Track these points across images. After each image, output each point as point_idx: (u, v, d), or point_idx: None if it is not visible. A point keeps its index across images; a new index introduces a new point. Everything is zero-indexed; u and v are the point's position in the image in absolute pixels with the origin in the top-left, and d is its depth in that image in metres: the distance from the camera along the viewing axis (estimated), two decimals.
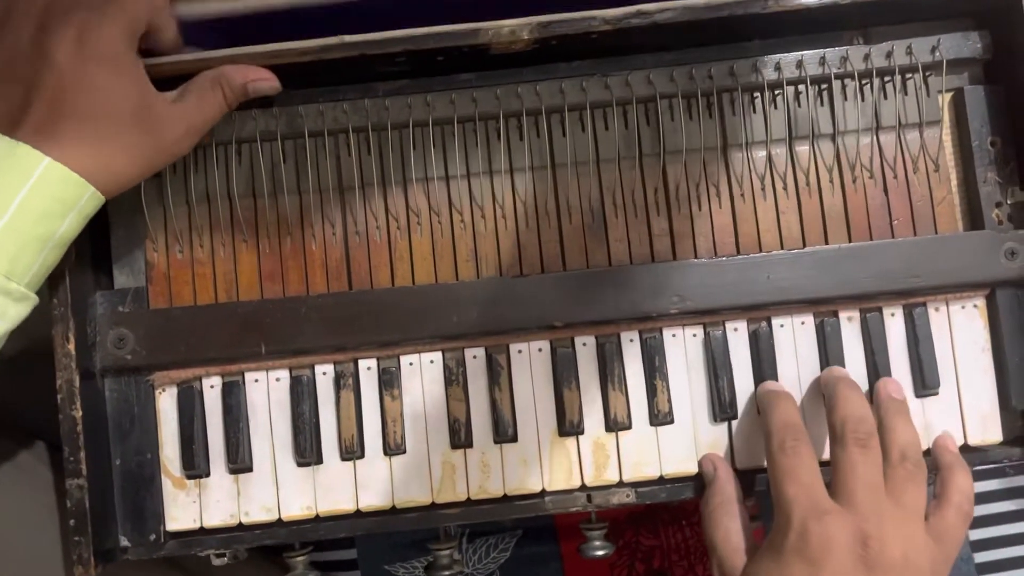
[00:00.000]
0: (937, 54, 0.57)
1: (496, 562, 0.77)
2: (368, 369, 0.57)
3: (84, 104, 0.47)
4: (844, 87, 0.58)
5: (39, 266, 0.48)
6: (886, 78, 0.58)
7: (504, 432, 0.57)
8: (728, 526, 0.53)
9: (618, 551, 0.77)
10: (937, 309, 0.58)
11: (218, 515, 0.57)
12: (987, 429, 0.57)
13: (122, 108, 0.49)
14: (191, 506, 0.57)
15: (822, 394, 0.56)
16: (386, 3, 0.54)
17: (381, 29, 0.54)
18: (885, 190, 0.58)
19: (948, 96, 0.59)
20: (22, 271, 0.47)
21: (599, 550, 0.60)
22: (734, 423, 0.57)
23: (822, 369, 0.57)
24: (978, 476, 0.77)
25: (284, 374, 0.57)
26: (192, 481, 0.57)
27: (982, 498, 0.79)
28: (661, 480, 0.57)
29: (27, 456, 0.63)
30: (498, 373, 0.57)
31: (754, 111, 0.58)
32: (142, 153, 0.51)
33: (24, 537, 0.59)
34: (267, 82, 0.54)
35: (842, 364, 0.57)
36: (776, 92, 0.58)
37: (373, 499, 0.57)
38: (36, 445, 0.64)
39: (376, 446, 0.57)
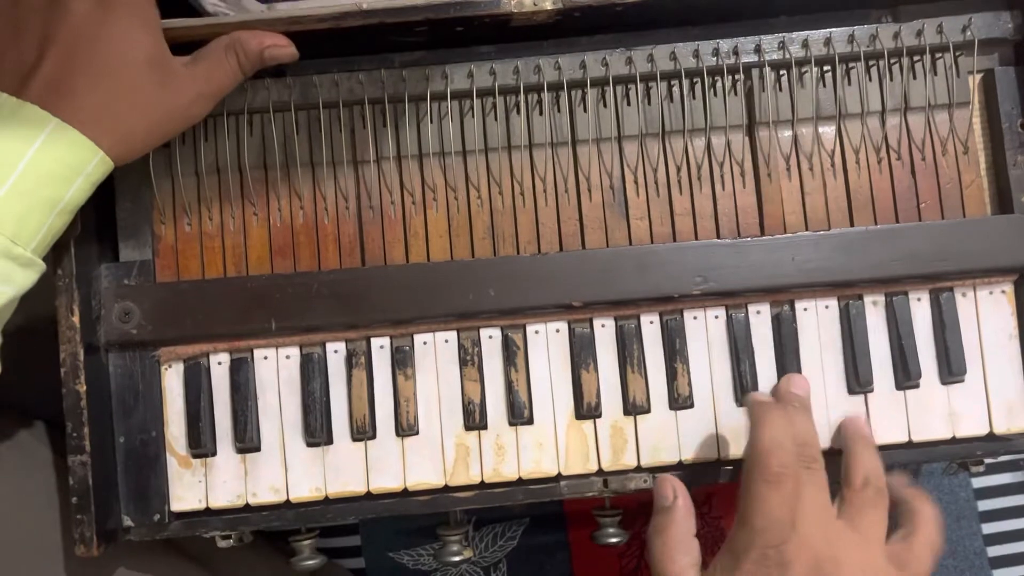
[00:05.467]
0: (968, 34, 0.56)
1: (503, 550, 0.76)
2: (381, 347, 0.56)
3: (99, 56, 0.46)
4: (871, 66, 0.57)
5: (46, 231, 0.47)
6: (915, 57, 0.57)
7: (519, 414, 0.55)
8: (683, 563, 0.51)
9: (627, 542, 0.75)
10: (964, 294, 0.56)
11: (224, 496, 0.55)
12: (1013, 417, 0.56)
13: (138, 60, 0.47)
14: (197, 486, 0.55)
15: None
16: None
17: None
18: (913, 172, 0.57)
19: (978, 77, 0.58)
20: (28, 235, 0.45)
21: (613, 537, 0.58)
22: None
23: (849, 353, 0.56)
24: (992, 470, 0.76)
25: (294, 351, 0.56)
26: (198, 460, 0.55)
27: (996, 492, 0.79)
28: (680, 466, 0.56)
29: (25, 435, 0.61)
30: (514, 353, 0.56)
31: (780, 89, 0.57)
32: (155, 114, 0.49)
33: (22, 518, 0.57)
34: (284, 48, 0.52)
35: (866, 348, 0.56)
36: (803, 70, 0.57)
37: (384, 481, 0.55)
38: (35, 424, 0.62)
39: (388, 427, 0.55)
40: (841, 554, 0.48)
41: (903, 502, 0.52)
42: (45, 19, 0.45)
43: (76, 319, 0.52)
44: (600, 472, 0.56)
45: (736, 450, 0.56)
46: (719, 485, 0.60)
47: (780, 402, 0.53)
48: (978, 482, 0.78)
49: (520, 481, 0.56)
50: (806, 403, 0.53)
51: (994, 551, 0.77)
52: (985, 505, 0.78)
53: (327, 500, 0.55)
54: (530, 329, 0.56)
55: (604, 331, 0.56)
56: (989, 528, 0.78)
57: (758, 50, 0.56)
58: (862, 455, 0.52)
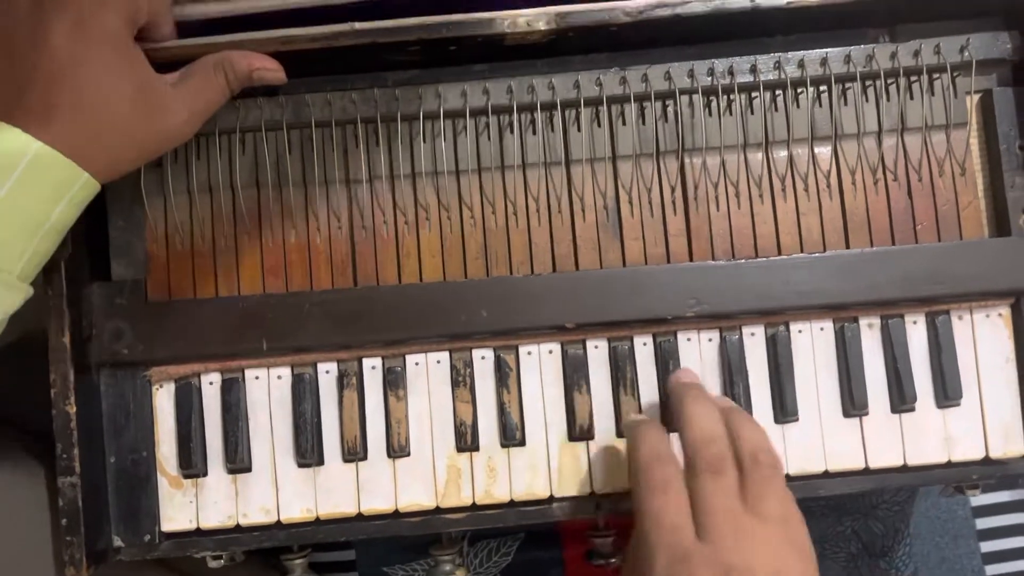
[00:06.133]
0: (966, 54, 0.56)
1: (498, 566, 0.76)
2: (373, 368, 0.56)
3: (80, 89, 0.45)
4: (868, 86, 0.57)
5: (31, 254, 0.46)
6: (913, 78, 0.56)
7: (512, 435, 0.55)
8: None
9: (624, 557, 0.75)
10: (961, 317, 0.56)
11: (215, 516, 0.55)
12: (1009, 441, 0.56)
13: (120, 93, 0.47)
14: (187, 506, 0.55)
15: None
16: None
17: (391, 17, 0.53)
18: (909, 193, 0.56)
19: (976, 98, 0.57)
20: (11, 259, 0.45)
21: (607, 558, 0.58)
22: None
23: (844, 376, 0.55)
24: (990, 487, 0.76)
25: (286, 372, 0.56)
26: (189, 480, 0.55)
27: (994, 510, 0.78)
28: None
29: (18, 450, 0.61)
30: (506, 375, 0.55)
31: (776, 109, 0.57)
32: (141, 138, 0.49)
33: (15, 534, 0.57)
34: (273, 72, 0.52)
35: (861, 371, 0.55)
36: (799, 90, 0.56)
37: (375, 502, 0.55)
38: (28, 440, 0.62)
39: (379, 448, 0.55)
40: (754, 560, 0.45)
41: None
42: (25, 50, 0.45)
43: (66, 340, 0.52)
44: (593, 494, 0.55)
45: None
46: None
47: (690, 393, 0.51)
48: (976, 500, 0.77)
49: (512, 503, 0.55)
50: (703, 391, 0.52)
51: (992, 570, 0.77)
52: (983, 523, 0.77)
53: (318, 521, 0.55)
54: (523, 350, 0.56)
55: (597, 352, 0.56)
56: (988, 547, 0.77)
57: (754, 70, 0.56)
58: (742, 429, 0.49)
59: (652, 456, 0.49)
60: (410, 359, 0.56)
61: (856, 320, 0.56)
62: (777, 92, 0.57)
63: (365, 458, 0.55)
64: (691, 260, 0.56)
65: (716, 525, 0.46)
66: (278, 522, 0.55)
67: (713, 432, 0.49)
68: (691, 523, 0.47)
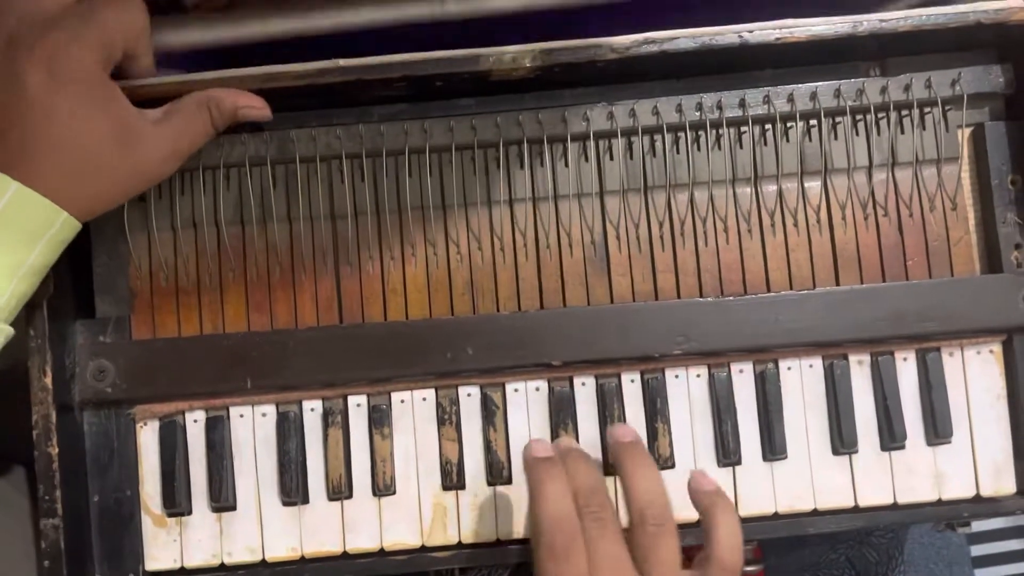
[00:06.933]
0: (957, 88, 0.55)
1: None
2: (358, 406, 0.55)
3: (57, 131, 0.45)
4: (858, 120, 0.56)
5: (9, 296, 0.46)
6: (903, 112, 0.56)
7: (498, 474, 0.55)
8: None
9: None
10: (951, 354, 0.55)
11: (200, 555, 0.55)
12: (1000, 479, 0.55)
13: (97, 132, 0.46)
14: (171, 545, 0.55)
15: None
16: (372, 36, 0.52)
17: (373, 51, 0.52)
18: (900, 229, 0.56)
19: (967, 132, 0.57)
20: None
21: None
22: (738, 468, 0.55)
23: (834, 414, 0.55)
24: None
25: (270, 409, 0.55)
26: (173, 519, 0.55)
27: (989, 537, 0.78)
28: None
29: (4, 483, 0.61)
30: (493, 413, 0.55)
31: (765, 144, 0.56)
32: (122, 177, 0.49)
33: (2, 568, 0.57)
34: (258, 110, 0.52)
35: (851, 409, 0.55)
36: (788, 125, 0.56)
37: (361, 541, 0.55)
38: (13, 470, 0.61)
39: (365, 486, 0.55)
40: None
41: (702, 514, 0.49)
42: (1, 92, 0.45)
43: (48, 380, 0.52)
44: None
45: None
46: None
47: (557, 456, 0.50)
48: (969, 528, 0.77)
49: (499, 541, 0.55)
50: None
51: None
52: (978, 550, 0.77)
53: (303, 559, 0.55)
54: (509, 387, 0.55)
55: (584, 389, 0.55)
56: (982, 574, 0.77)
57: (743, 104, 0.55)
58: (632, 480, 0.48)
59: (557, 516, 0.46)
60: (396, 397, 0.55)
61: (846, 357, 0.55)
62: (766, 126, 0.56)
63: (351, 496, 0.55)
64: (679, 296, 0.55)
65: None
66: (263, 561, 0.55)
67: (595, 485, 0.48)
68: None
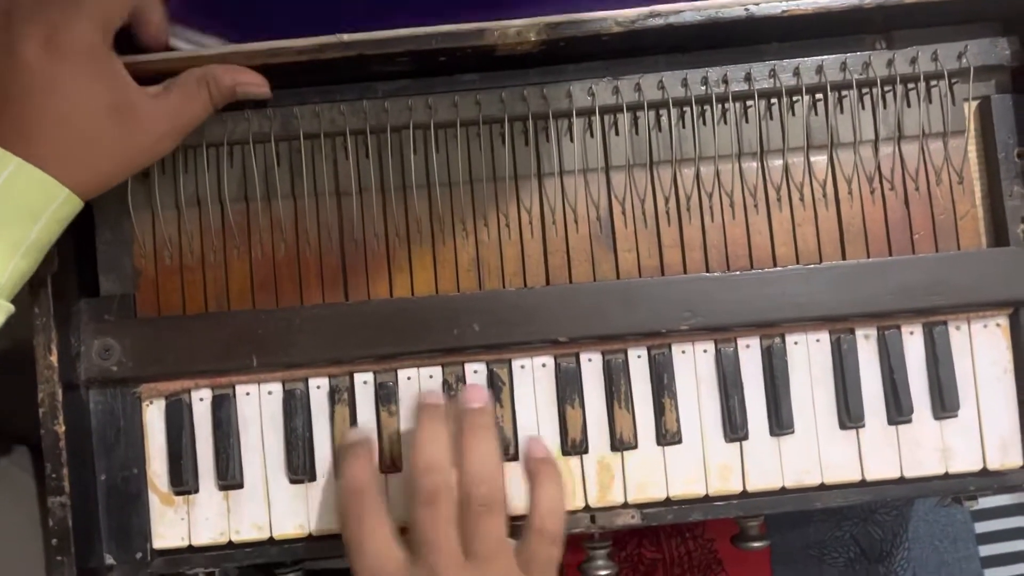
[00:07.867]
0: (964, 60, 0.55)
1: None
2: (364, 383, 0.55)
3: (56, 106, 0.45)
4: (864, 94, 0.56)
5: (11, 273, 0.46)
6: (909, 85, 0.56)
7: (505, 450, 0.54)
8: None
9: (619, 563, 0.75)
10: (958, 328, 0.55)
11: (207, 533, 0.54)
12: (1007, 453, 0.55)
13: (97, 108, 0.46)
14: (179, 523, 0.55)
15: None
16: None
17: (381, 21, 0.52)
18: (906, 203, 0.56)
19: (974, 105, 0.57)
20: None
21: (602, 569, 0.57)
22: (746, 444, 0.55)
23: (840, 388, 0.55)
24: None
25: (277, 387, 0.55)
26: (180, 498, 0.55)
27: (993, 513, 0.78)
28: (668, 502, 0.55)
29: (8, 463, 0.61)
30: (499, 389, 0.55)
31: (771, 118, 0.56)
32: (122, 152, 0.48)
33: (6, 548, 0.57)
34: (257, 87, 0.52)
35: (858, 383, 0.55)
36: (794, 98, 0.56)
37: None
38: (18, 451, 0.61)
39: None
40: None
41: (529, 481, 0.52)
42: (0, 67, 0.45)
43: (54, 358, 0.51)
44: (587, 508, 0.55)
45: (724, 486, 0.55)
46: None
47: (425, 412, 0.51)
48: (975, 504, 0.77)
49: (510, 517, 0.55)
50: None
51: (992, 574, 0.76)
52: (983, 527, 0.77)
53: (311, 537, 0.55)
54: (515, 364, 0.55)
55: (591, 366, 0.55)
56: (986, 550, 0.77)
57: (748, 78, 0.55)
58: (465, 461, 0.49)
59: (352, 488, 0.49)
60: (402, 374, 0.55)
61: (852, 331, 0.55)
62: (772, 100, 0.56)
63: None
64: (685, 272, 0.55)
65: (430, 564, 0.47)
66: (271, 538, 0.55)
67: (488, 474, 0.49)
68: (397, 555, 0.48)
